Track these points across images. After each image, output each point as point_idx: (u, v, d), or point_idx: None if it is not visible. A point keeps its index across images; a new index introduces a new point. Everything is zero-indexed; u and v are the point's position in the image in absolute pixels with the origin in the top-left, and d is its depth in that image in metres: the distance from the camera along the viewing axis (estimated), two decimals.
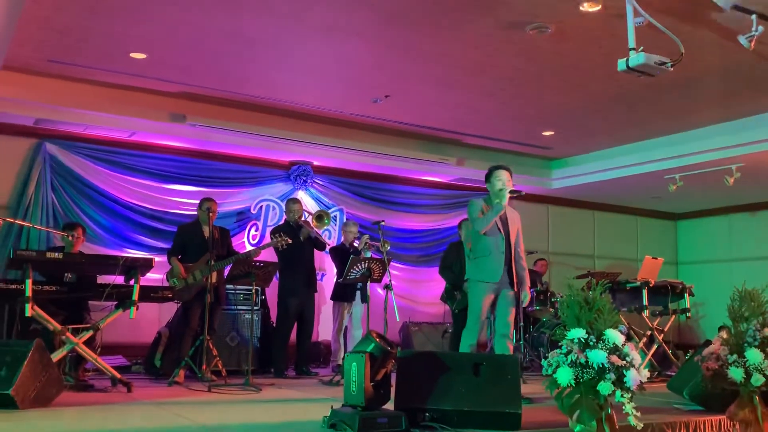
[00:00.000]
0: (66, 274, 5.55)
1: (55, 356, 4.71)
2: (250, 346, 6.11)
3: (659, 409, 4.55)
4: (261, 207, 8.32)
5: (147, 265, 5.21)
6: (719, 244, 11.31)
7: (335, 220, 8.56)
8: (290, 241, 6.43)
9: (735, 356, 4.01)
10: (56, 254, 5.11)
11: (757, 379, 3.90)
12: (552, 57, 5.91)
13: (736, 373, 3.95)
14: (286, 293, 6.84)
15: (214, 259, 5.97)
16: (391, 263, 6.88)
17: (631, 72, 4.46)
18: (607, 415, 3.25)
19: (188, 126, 7.32)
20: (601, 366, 3.20)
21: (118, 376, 5.19)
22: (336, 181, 8.88)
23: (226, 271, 6.26)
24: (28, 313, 4.74)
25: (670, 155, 8.34)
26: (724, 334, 4.21)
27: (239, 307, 7.09)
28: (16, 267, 4.94)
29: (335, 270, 7.47)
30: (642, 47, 4.39)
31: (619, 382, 3.20)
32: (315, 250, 7.11)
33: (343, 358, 3.80)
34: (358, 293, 7.25)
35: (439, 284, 7.60)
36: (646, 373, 3.30)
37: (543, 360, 3.41)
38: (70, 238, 5.92)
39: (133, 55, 6.08)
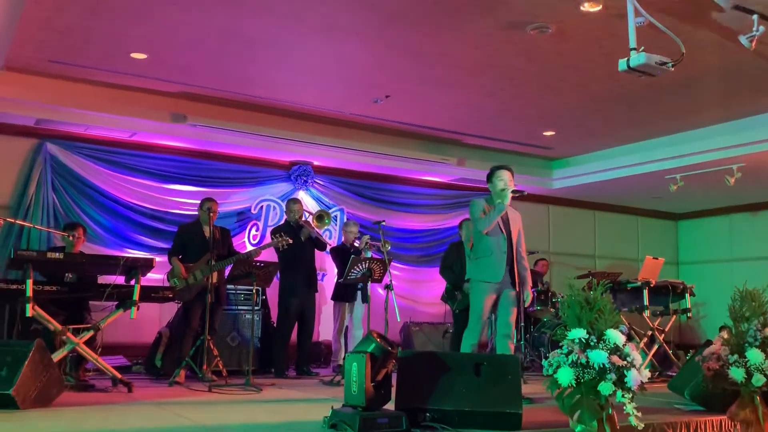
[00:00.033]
0: (67, 274, 5.55)
1: (56, 356, 4.71)
2: (251, 346, 6.11)
3: (660, 409, 4.54)
4: (261, 207, 8.33)
5: (147, 266, 5.22)
6: (720, 244, 11.31)
7: (336, 220, 8.56)
8: (291, 241, 6.44)
9: (736, 356, 4.01)
10: (57, 254, 5.12)
11: (758, 379, 3.90)
12: (553, 57, 5.91)
13: (737, 374, 3.95)
14: (286, 293, 6.84)
15: (214, 259, 5.97)
16: (392, 263, 6.88)
17: (632, 72, 4.45)
18: (608, 416, 3.25)
19: (189, 126, 7.32)
20: (601, 366, 3.20)
21: (119, 376, 5.19)
22: (336, 181, 8.88)
23: (227, 271, 6.27)
24: (29, 313, 4.74)
25: (671, 155, 8.34)
26: (725, 334, 4.21)
27: (240, 307, 7.09)
28: (17, 267, 4.95)
29: (336, 270, 7.47)
30: (643, 47, 4.38)
31: (620, 383, 3.20)
32: (316, 250, 7.11)
33: (344, 358, 3.80)
34: (358, 293, 7.25)
35: (439, 284, 7.60)
36: (646, 373, 3.30)
37: (544, 360, 3.41)
38: (70, 238, 5.92)
39: (133, 55, 6.08)
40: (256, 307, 6.97)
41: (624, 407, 3.19)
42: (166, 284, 6.04)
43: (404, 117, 7.91)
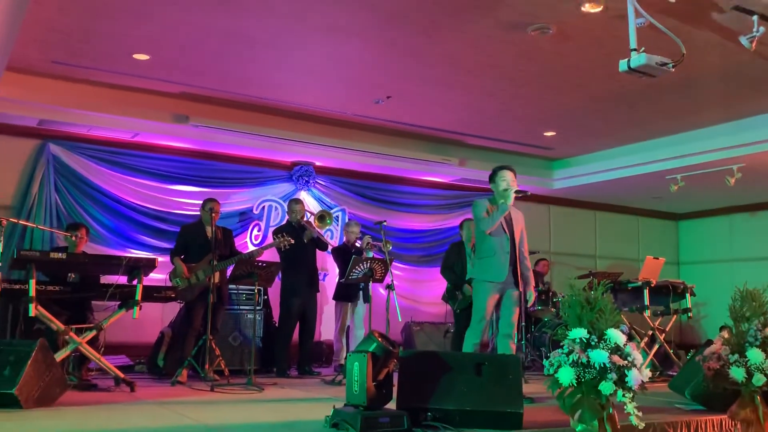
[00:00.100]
0: (69, 274, 5.56)
1: (59, 356, 4.72)
2: (253, 345, 6.12)
3: (661, 408, 4.55)
4: (263, 207, 8.35)
5: (150, 265, 5.23)
6: (720, 244, 11.31)
7: (337, 221, 8.57)
8: (293, 242, 6.45)
9: (736, 356, 4.02)
10: (60, 254, 5.12)
11: (759, 379, 3.91)
12: (553, 57, 5.92)
13: (737, 373, 3.96)
14: (288, 293, 6.86)
15: (216, 259, 5.99)
16: (393, 263, 6.90)
17: (633, 73, 4.46)
18: (609, 415, 3.26)
19: (191, 127, 7.34)
20: (602, 366, 3.20)
21: (122, 375, 5.20)
22: (338, 181, 8.90)
23: (229, 271, 6.28)
24: (32, 313, 4.75)
25: (672, 155, 8.35)
26: (725, 334, 4.22)
27: (242, 307, 7.10)
28: (20, 267, 4.96)
29: (337, 270, 7.49)
30: (643, 48, 4.39)
31: (621, 382, 3.20)
32: (317, 250, 7.12)
33: (346, 358, 3.81)
34: (360, 293, 7.27)
35: (440, 284, 7.62)
36: (647, 372, 3.30)
37: (545, 360, 3.42)
38: (73, 238, 5.93)
39: (135, 56, 6.10)
40: (258, 307, 6.98)
41: (625, 407, 3.20)
42: (169, 284, 6.06)
43: (405, 117, 7.92)
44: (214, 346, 5.88)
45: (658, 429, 3.92)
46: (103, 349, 5.48)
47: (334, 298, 7.46)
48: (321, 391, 5.59)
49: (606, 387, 3.19)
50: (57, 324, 4.92)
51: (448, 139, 8.77)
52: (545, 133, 8.44)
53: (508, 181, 5.14)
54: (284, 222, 7.62)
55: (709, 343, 4.41)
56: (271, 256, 6.88)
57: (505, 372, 3.85)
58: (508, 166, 5.26)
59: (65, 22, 5.40)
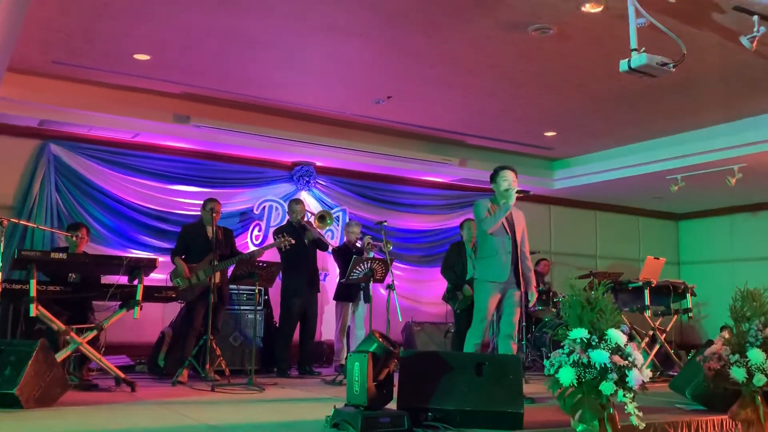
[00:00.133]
0: (70, 275, 5.56)
1: (60, 356, 4.72)
2: (254, 345, 6.12)
3: (661, 408, 4.56)
4: (264, 207, 8.36)
5: (151, 266, 5.23)
6: (721, 245, 11.32)
7: (338, 221, 8.58)
8: (293, 242, 6.46)
9: (737, 356, 4.01)
10: (60, 254, 5.13)
11: (759, 379, 3.90)
12: (554, 58, 5.92)
13: (738, 373, 3.96)
14: (289, 293, 6.86)
15: (217, 259, 6.00)
16: (394, 263, 6.89)
17: (633, 73, 4.46)
18: (609, 415, 3.26)
19: (192, 127, 7.35)
20: (603, 366, 3.20)
21: (122, 375, 5.20)
22: (338, 181, 8.90)
23: (230, 272, 6.28)
24: (33, 313, 4.75)
25: (672, 155, 8.35)
26: (726, 334, 4.21)
27: (242, 307, 7.11)
28: (21, 267, 4.96)
29: (338, 270, 7.49)
30: (644, 48, 4.40)
31: (622, 382, 3.20)
32: (318, 250, 7.13)
33: (346, 358, 3.81)
34: (361, 293, 7.27)
35: (441, 284, 7.62)
36: (648, 373, 3.30)
37: (545, 360, 3.42)
38: (74, 238, 5.94)
39: (136, 56, 6.11)
40: (259, 307, 6.99)
41: (625, 407, 3.20)
42: (169, 284, 6.07)
43: (406, 117, 7.92)
44: (214, 346, 5.88)
45: (658, 429, 3.92)
46: (103, 349, 5.48)
47: (334, 298, 7.46)
48: (321, 391, 5.59)
49: (607, 387, 3.19)
50: (58, 324, 4.93)
51: (449, 139, 8.78)
52: (546, 133, 8.44)
53: (509, 181, 5.14)
54: (285, 222, 7.62)
55: (710, 343, 4.41)
56: (271, 256, 6.88)
57: (505, 372, 3.85)
58: (509, 166, 5.26)
59: (66, 23, 5.40)
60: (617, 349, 3.26)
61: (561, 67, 6.16)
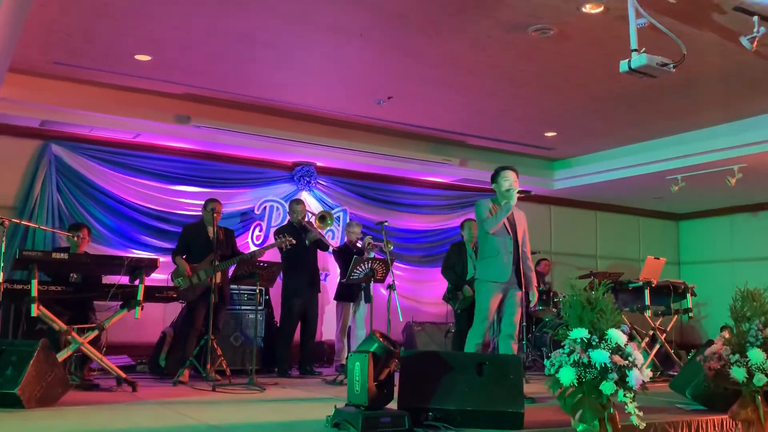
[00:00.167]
0: (71, 275, 5.58)
1: (61, 356, 4.73)
2: (254, 345, 6.13)
3: (662, 408, 4.56)
4: (265, 208, 8.37)
5: (152, 266, 5.24)
6: (721, 245, 11.32)
7: (339, 221, 8.59)
8: (294, 242, 6.47)
9: (737, 356, 4.01)
10: (62, 255, 5.13)
11: (760, 379, 3.91)
12: (554, 58, 5.93)
13: (738, 373, 3.96)
14: (289, 293, 6.87)
15: (218, 259, 6.01)
16: (394, 263, 6.90)
17: (633, 73, 4.47)
18: (610, 415, 3.27)
19: (193, 127, 7.35)
20: (603, 366, 3.21)
21: (123, 375, 5.21)
22: (339, 181, 8.91)
23: (231, 272, 6.29)
24: (34, 313, 4.76)
25: (672, 156, 8.36)
26: (726, 334, 4.22)
27: (243, 307, 7.11)
28: (22, 267, 4.97)
29: (338, 270, 7.50)
30: (644, 48, 4.40)
31: (622, 382, 3.21)
32: (318, 250, 7.13)
33: (347, 358, 3.82)
34: (361, 293, 7.28)
35: (442, 284, 7.63)
36: (648, 372, 3.31)
37: (546, 360, 3.42)
38: (75, 238, 5.95)
39: (137, 57, 6.12)
40: (260, 307, 6.99)
41: (626, 407, 3.20)
42: (170, 284, 6.07)
43: (407, 118, 7.93)
44: (215, 346, 5.89)
45: (659, 429, 3.93)
46: (104, 349, 5.48)
47: (335, 299, 7.47)
48: (322, 391, 5.60)
49: (607, 387, 3.19)
50: (59, 324, 4.93)
51: (449, 140, 8.78)
52: (546, 134, 8.45)
53: (510, 181, 5.15)
54: (285, 222, 7.63)
55: (710, 343, 4.42)
56: (272, 256, 6.89)
57: (506, 372, 3.86)
58: (510, 166, 5.27)
59: (66, 23, 5.41)
60: (617, 349, 3.27)
61: (561, 68, 6.17)
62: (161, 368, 6.44)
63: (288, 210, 7.48)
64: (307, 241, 6.87)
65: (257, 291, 6.46)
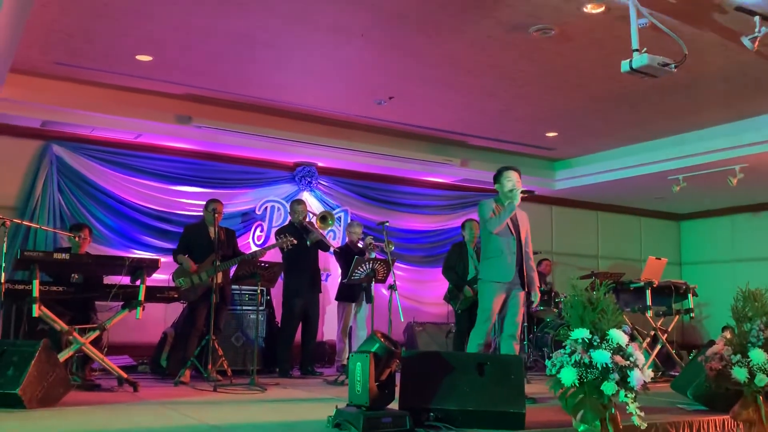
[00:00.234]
0: (73, 275, 5.58)
1: (62, 356, 4.73)
2: (255, 346, 6.13)
3: (663, 408, 4.56)
4: (266, 208, 8.37)
5: (153, 266, 5.24)
6: (722, 245, 11.31)
7: (339, 221, 8.59)
8: (295, 242, 6.47)
9: (738, 356, 4.01)
10: (63, 255, 5.14)
11: (761, 379, 3.91)
12: (555, 58, 5.92)
13: (739, 373, 3.96)
14: (291, 294, 6.87)
15: (219, 259, 6.01)
16: (396, 264, 6.90)
17: (635, 73, 4.47)
18: (611, 415, 3.26)
19: (194, 128, 7.36)
20: (604, 366, 3.20)
21: (125, 375, 5.22)
22: (340, 182, 8.91)
23: (232, 272, 6.30)
24: (35, 313, 4.77)
25: (674, 156, 8.35)
26: (727, 335, 4.21)
27: (244, 308, 7.12)
28: (23, 268, 4.97)
29: (340, 270, 7.50)
30: (645, 48, 4.40)
31: (623, 382, 3.20)
32: (319, 251, 7.13)
33: (348, 358, 3.82)
34: (362, 293, 7.28)
35: (443, 284, 7.63)
36: (649, 373, 3.31)
37: (547, 360, 3.42)
38: (76, 239, 5.95)
39: (138, 57, 6.12)
40: (261, 308, 6.99)
41: (627, 407, 3.21)
42: (172, 284, 6.07)
43: (407, 118, 7.93)
44: (216, 346, 5.90)
45: (660, 429, 3.93)
46: (106, 349, 5.49)
47: (336, 299, 7.47)
48: (323, 392, 5.60)
49: (608, 387, 3.19)
50: (60, 324, 4.94)
51: (450, 140, 8.78)
52: (547, 134, 8.45)
53: (513, 181, 5.14)
54: (287, 223, 7.63)
55: (712, 343, 4.41)
56: (273, 256, 6.89)
57: (507, 372, 3.86)
58: (513, 166, 5.26)
59: (66, 23, 5.41)
60: (619, 350, 3.27)
61: (562, 68, 6.17)
62: (162, 368, 6.45)
63: (289, 210, 7.49)
64: (308, 242, 6.88)
65: (258, 291, 6.44)
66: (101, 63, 6.28)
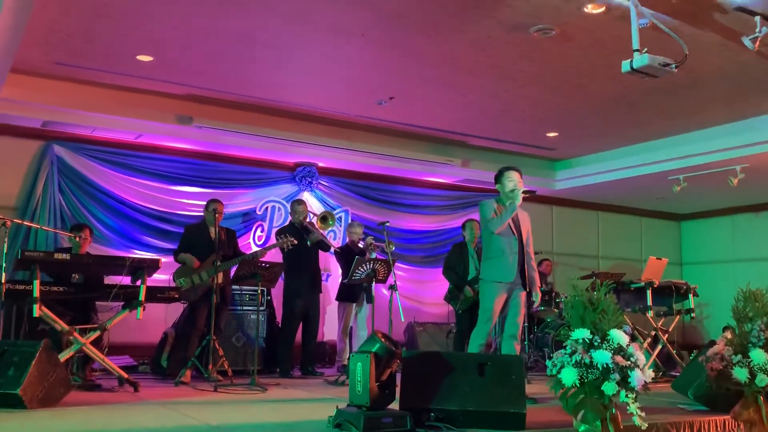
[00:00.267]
0: (73, 275, 5.58)
1: (63, 356, 4.73)
2: (256, 346, 6.14)
3: (664, 409, 4.56)
4: (267, 208, 8.37)
5: (153, 266, 5.24)
6: (723, 245, 11.31)
7: (340, 221, 8.59)
8: (296, 242, 6.47)
9: (739, 356, 4.01)
10: (64, 255, 5.14)
11: (762, 380, 3.91)
12: (555, 58, 5.92)
13: (740, 374, 3.96)
14: (291, 294, 6.87)
15: (220, 259, 6.01)
16: (396, 264, 6.91)
17: (635, 73, 4.47)
18: (612, 415, 3.26)
19: (194, 128, 7.36)
20: (605, 366, 3.20)
21: (125, 376, 5.22)
22: (341, 182, 8.91)
23: (233, 272, 6.30)
24: (36, 313, 4.78)
25: (674, 156, 8.35)
26: (728, 335, 4.21)
27: (245, 308, 7.12)
28: (24, 268, 4.97)
29: (340, 270, 7.50)
30: (646, 49, 4.40)
31: (624, 383, 3.20)
32: (320, 251, 7.14)
33: (349, 358, 3.82)
34: (363, 294, 7.28)
35: (443, 284, 7.63)
36: (650, 373, 3.31)
37: (547, 360, 3.42)
38: (77, 239, 5.95)
39: (139, 57, 6.12)
40: (261, 308, 6.99)
41: (628, 407, 3.21)
42: (172, 285, 6.07)
43: (408, 118, 7.93)
44: (217, 346, 5.90)
45: (661, 429, 3.93)
46: (106, 349, 5.50)
47: (337, 299, 7.47)
48: (324, 392, 5.60)
49: (609, 387, 3.19)
50: (61, 324, 4.94)
51: (451, 140, 8.78)
52: (547, 134, 8.44)
53: (515, 181, 5.14)
54: (287, 223, 7.64)
55: (712, 343, 4.41)
56: (274, 256, 6.89)
57: (508, 372, 3.86)
58: (514, 166, 5.26)
59: (68, 24, 5.41)
60: (619, 350, 3.27)
61: (563, 68, 6.17)
62: (163, 369, 6.45)
63: (290, 210, 7.49)
64: (308, 242, 6.88)
65: (259, 291, 6.44)
66: (101, 63, 6.28)
